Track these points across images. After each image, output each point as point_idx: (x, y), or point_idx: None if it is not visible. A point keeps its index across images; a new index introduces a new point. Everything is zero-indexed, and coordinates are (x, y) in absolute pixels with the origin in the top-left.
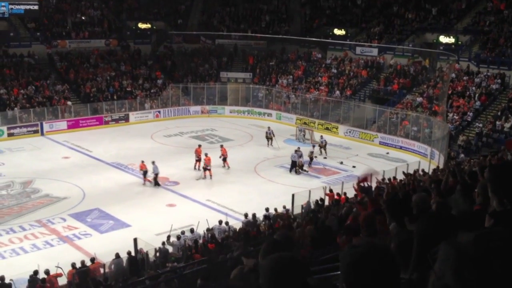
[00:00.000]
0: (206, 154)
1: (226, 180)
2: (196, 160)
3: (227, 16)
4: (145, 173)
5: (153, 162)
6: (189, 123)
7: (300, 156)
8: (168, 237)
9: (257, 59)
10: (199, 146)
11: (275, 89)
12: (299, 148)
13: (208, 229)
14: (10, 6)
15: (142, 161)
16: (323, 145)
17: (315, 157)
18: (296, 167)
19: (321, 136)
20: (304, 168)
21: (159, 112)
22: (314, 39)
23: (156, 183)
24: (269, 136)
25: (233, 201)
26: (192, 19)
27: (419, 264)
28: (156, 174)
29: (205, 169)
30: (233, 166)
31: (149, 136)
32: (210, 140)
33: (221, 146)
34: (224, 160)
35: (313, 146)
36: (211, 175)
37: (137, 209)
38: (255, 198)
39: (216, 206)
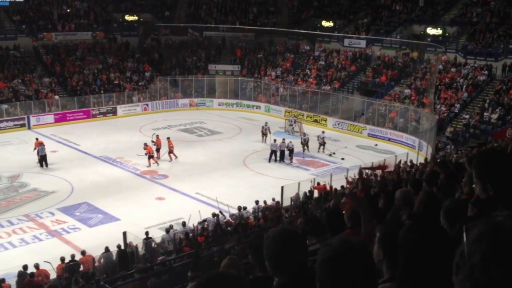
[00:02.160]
0: (168, 138)
1: (215, 173)
2: (156, 150)
3: (214, 8)
4: (158, 149)
5: (168, 138)
6: (178, 116)
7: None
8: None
9: (245, 51)
10: (157, 136)
11: (263, 82)
12: (284, 139)
13: (199, 222)
14: None
15: (157, 136)
16: (321, 142)
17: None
18: (275, 157)
19: (323, 131)
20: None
21: (147, 105)
22: (302, 31)
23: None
24: (265, 132)
25: (223, 194)
26: (179, 11)
27: (405, 279)
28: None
29: (170, 152)
30: (222, 159)
31: (137, 129)
32: (199, 133)
33: (168, 138)
34: (170, 152)
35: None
36: (176, 156)
37: (126, 202)
38: (244, 191)
39: (206, 199)
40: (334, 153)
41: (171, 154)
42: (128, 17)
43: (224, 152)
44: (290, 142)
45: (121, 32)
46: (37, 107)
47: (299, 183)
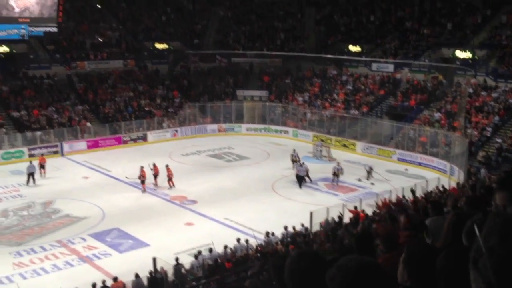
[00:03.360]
0: (167, 166)
1: (243, 198)
2: (154, 177)
3: (242, 35)
4: (155, 176)
5: (166, 166)
6: (206, 141)
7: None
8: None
9: (273, 77)
10: (154, 164)
11: (291, 107)
12: (303, 163)
13: (225, 247)
14: (30, 29)
15: (154, 164)
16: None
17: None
18: (303, 180)
19: (338, 163)
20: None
21: (176, 131)
22: (329, 56)
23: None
24: (294, 159)
25: (251, 219)
26: (208, 38)
27: None
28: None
29: (169, 179)
30: (251, 184)
31: (167, 155)
32: (227, 158)
33: (167, 166)
34: (169, 180)
35: (338, 163)
36: (173, 184)
37: (155, 228)
38: (272, 216)
39: (234, 225)
40: (360, 179)
41: (170, 182)
42: (159, 46)
43: (252, 177)
44: (304, 163)
45: (151, 60)
46: (70, 134)
47: (328, 209)
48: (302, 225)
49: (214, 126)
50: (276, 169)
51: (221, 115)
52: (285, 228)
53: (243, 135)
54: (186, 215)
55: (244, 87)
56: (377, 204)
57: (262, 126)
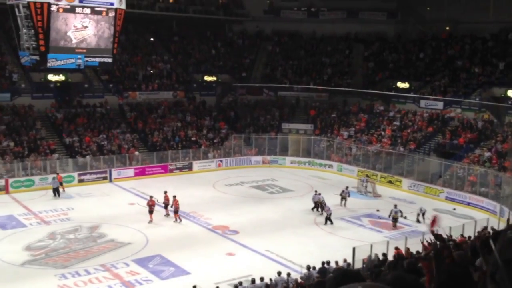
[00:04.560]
0: (174, 197)
1: (285, 231)
2: (165, 207)
3: (289, 69)
4: (166, 206)
5: (174, 197)
6: (250, 172)
7: (321, 199)
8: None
9: (319, 111)
10: (165, 192)
11: (336, 141)
12: (316, 191)
13: (262, 279)
14: (86, 59)
15: (166, 192)
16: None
17: (402, 216)
18: (318, 207)
19: (347, 187)
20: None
21: (221, 161)
22: (377, 91)
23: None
24: (344, 196)
25: (292, 252)
26: (255, 72)
27: None
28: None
29: (175, 211)
30: (293, 216)
31: (211, 185)
32: (271, 190)
33: (174, 197)
34: (176, 212)
35: (395, 206)
36: (180, 219)
37: (197, 256)
38: (314, 250)
39: (275, 257)
40: (406, 217)
41: (176, 215)
42: (207, 78)
43: (295, 210)
44: (321, 195)
45: (200, 92)
46: (119, 161)
47: (371, 245)
48: (345, 260)
49: (259, 158)
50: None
51: (266, 147)
52: (327, 263)
53: (287, 168)
54: (228, 245)
55: (290, 120)
56: (422, 243)
57: (306, 159)
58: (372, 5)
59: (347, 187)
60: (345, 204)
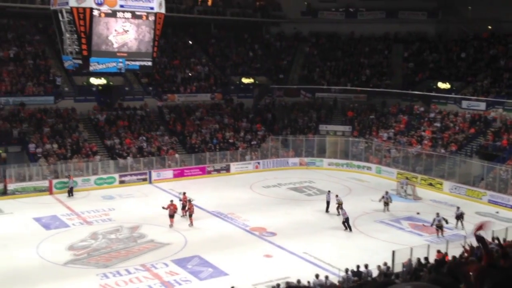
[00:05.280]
0: (189, 201)
1: (323, 233)
2: (182, 208)
3: (327, 70)
4: (184, 207)
5: (189, 201)
6: (288, 174)
7: (340, 200)
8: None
9: (357, 112)
10: (184, 193)
11: (375, 142)
12: (329, 191)
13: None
14: (127, 62)
15: (184, 193)
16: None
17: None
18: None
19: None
20: (349, 224)
21: (258, 163)
22: (417, 92)
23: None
24: (386, 201)
25: (330, 255)
26: (293, 73)
27: None
28: None
29: (190, 215)
30: (331, 219)
31: (248, 187)
32: (308, 192)
33: (189, 201)
34: (190, 216)
35: (437, 214)
36: (191, 223)
37: (234, 257)
38: (352, 253)
39: (313, 260)
40: (447, 221)
41: (191, 218)
42: (245, 80)
43: (333, 212)
44: (338, 196)
45: (237, 94)
46: (158, 163)
47: (411, 249)
48: (385, 263)
49: (296, 160)
50: (357, 206)
51: (303, 149)
52: (366, 266)
53: (325, 170)
54: (265, 246)
55: (327, 122)
56: (464, 247)
57: (344, 161)
58: (412, 4)
59: (386, 192)
60: (388, 209)
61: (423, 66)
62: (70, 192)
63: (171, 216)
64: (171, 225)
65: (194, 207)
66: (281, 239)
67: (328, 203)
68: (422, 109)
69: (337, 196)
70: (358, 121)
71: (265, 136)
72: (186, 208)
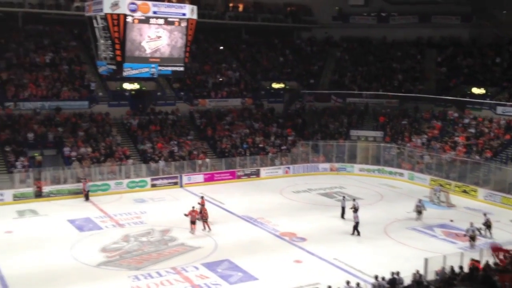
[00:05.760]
0: (203, 205)
1: (353, 240)
2: (200, 211)
3: (359, 75)
4: (201, 211)
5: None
6: (318, 179)
7: (357, 205)
8: None
9: (389, 117)
10: (202, 197)
11: (407, 148)
12: (344, 197)
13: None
14: (159, 68)
15: (202, 197)
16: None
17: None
18: (344, 214)
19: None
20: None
21: (288, 168)
22: (450, 97)
23: None
24: (420, 210)
25: (361, 261)
26: (323, 78)
27: None
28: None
29: (204, 220)
30: (362, 225)
31: (278, 192)
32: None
33: (203, 204)
34: (205, 220)
35: (471, 224)
36: (209, 227)
37: (264, 262)
38: (383, 260)
39: (344, 266)
40: (481, 230)
41: (206, 223)
42: (275, 85)
43: (364, 218)
44: (355, 201)
45: (268, 99)
46: (189, 167)
47: (444, 257)
48: (417, 271)
49: (326, 165)
50: (389, 212)
51: (333, 154)
52: (397, 273)
53: (356, 175)
54: (295, 252)
55: (359, 127)
56: (497, 256)
57: (375, 167)
58: (445, 8)
59: (420, 200)
60: (419, 218)
61: (457, 71)
62: (87, 197)
63: (193, 222)
64: (192, 232)
65: (208, 212)
66: (311, 244)
67: (343, 209)
68: (456, 114)
69: (354, 200)
70: (390, 127)
71: (295, 141)
72: (202, 212)
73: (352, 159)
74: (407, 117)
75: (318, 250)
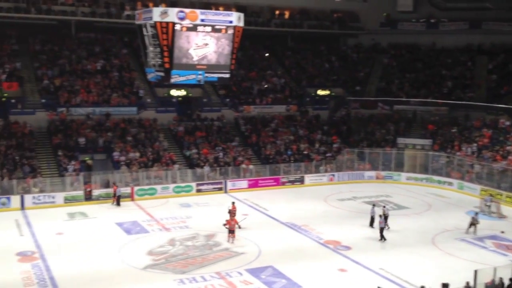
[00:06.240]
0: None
1: (400, 249)
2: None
3: (406, 82)
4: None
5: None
6: (363, 187)
7: (386, 211)
8: None
9: (438, 125)
10: (233, 203)
11: (457, 157)
12: (374, 205)
13: None
14: (206, 74)
15: (233, 203)
16: None
17: None
18: (373, 223)
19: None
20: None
21: (333, 175)
22: (502, 105)
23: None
24: (474, 222)
25: (408, 271)
26: (370, 85)
27: None
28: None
29: (230, 231)
30: (409, 234)
31: (322, 199)
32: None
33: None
34: (230, 232)
35: None
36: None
37: (308, 270)
38: (432, 271)
39: (390, 276)
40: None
41: (230, 234)
42: (320, 92)
43: (411, 228)
44: (385, 207)
45: (312, 106)
46: (234, 173)
47: (495, 269)
48: (467, 283)
49: (372, 173)
50: (437, 222)
51: (379, 162)
52: (446, 285)
53: (402, 184)
54: (340, 260)
55: (406, 135)
56: None
57: (423, 176)
58: (497, 15)
59: (476, 213)
60: (474, 232)
61: (509, 78)
62: (118, 202)
63: (231, 231)
64: (230, 241)
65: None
66: (356, 253)
67: (372, 218)
68: (507, 123)
69: (384, 207)
70: (439, 135)
71: (340, 148)
72: (225, 224)
73: (399, 167)
74: (457, 125)
75: (364, 259)
